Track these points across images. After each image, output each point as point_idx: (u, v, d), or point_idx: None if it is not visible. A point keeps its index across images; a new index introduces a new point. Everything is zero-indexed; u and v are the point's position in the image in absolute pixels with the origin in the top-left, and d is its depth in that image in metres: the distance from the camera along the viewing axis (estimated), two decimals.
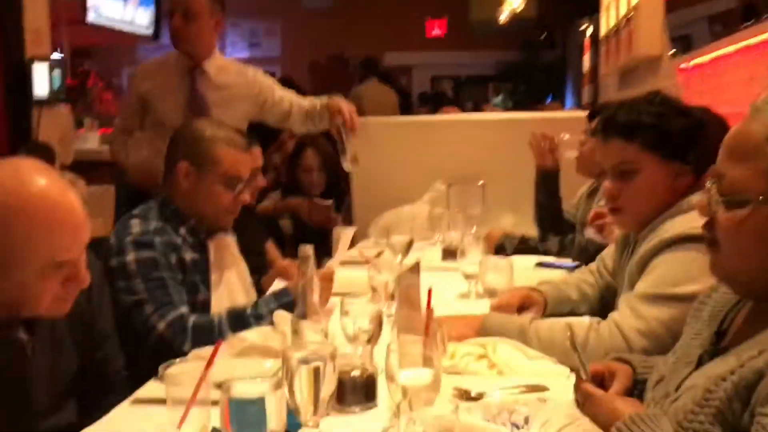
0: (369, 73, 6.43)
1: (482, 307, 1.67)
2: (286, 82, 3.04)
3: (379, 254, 2.25)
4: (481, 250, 2.03)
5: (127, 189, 2.56)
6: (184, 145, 1.76)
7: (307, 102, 2.64)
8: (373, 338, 1.19)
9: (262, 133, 2.67)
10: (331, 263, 1.85)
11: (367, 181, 3.17)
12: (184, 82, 2.45)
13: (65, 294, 1.16)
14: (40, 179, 1.10)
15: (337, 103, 2.51)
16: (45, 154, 3.62)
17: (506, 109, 8.10)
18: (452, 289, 1.92)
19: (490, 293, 1.80)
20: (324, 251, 2.20)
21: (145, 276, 1.62)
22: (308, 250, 1.27)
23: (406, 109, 6.56)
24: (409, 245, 2.04)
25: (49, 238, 1.09)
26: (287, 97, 2.65)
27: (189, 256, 1.73)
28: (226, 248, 1.86)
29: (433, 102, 6.92)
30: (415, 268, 1.30)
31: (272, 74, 2.70)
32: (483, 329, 1.41)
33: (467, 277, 1.92)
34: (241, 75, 2.52)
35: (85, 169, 4.51)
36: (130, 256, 1.63)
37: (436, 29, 9.49)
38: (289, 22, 9.16)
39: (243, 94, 2.47)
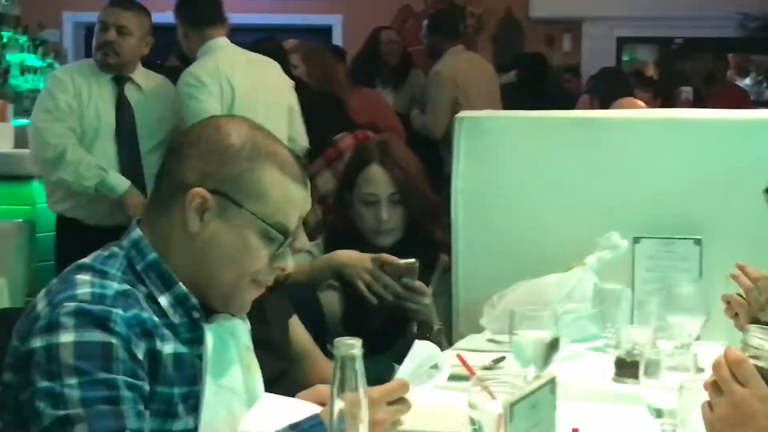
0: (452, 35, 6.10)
1: None
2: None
3: (496, 362, 2.34)
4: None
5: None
6: (203, 158, 1.72)
7: None
8: None
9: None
10: (402, 375, 1.75)
11: (481, 226, 3.08)
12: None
13: None
14: None
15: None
16: None
17: (762, 100, 7.47)
18: None
19: None
20: (395, 353, 2.08)
21: (86, 376, 1.56)
22: (354, 346, 1.25)
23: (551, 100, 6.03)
24: (552, 347, 1.98)
25: None
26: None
27: (169, 347, 1.68)
28: (235, 339, 1.82)
29: (611, 85, 5.57)
30: (552, 386, 1.35)
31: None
32: None
33: (659, 413, 1.78)
34: None
35: None
36: (66, 337, 1.57)
37: None
38: None
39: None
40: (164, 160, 1.79)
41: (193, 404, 1.71)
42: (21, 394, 1.60)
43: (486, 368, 2.28)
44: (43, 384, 1.56)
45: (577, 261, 2.77)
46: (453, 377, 1.89)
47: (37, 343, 1.58)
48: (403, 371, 1.75)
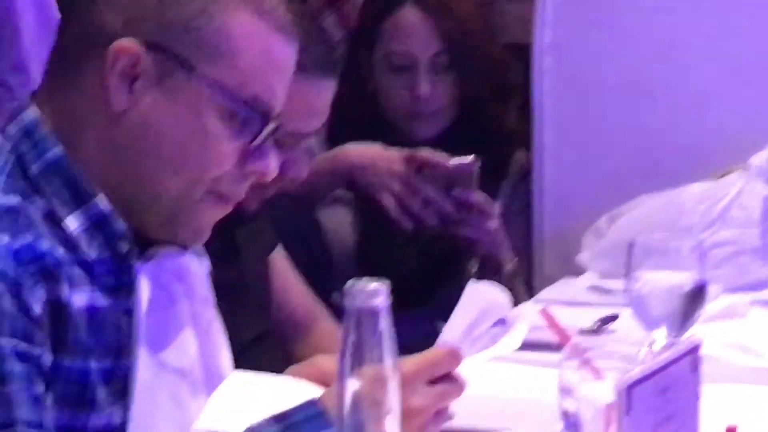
0: None
1: None
2: None
3: (604, 322, 2.40)
4: None
5: None
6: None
7: None
8: None
9: None
10: (451, 338, 1.78)
11: (580, 105, 3.18)
12: None
13: None
14: None
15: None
16: None
17: None
18: None
19: None
20: (441, 306, 2.14)
21: None
22: (377, 293, 1.30)
23: None
24: (695, 299, 2.03)
25: None
26: None
27: (82, 297, 1.72)
28: (186, 286, 1.87)
29: None
30: (693, 361, 1.41)
31: None
32: None
33: None
34: None
35: None
36: None
37: None
38: None
39: None
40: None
41: (120, 388, 1.75)
42: None
43: (588, 331, 2.33)
44: None
45: (736, 161, 2.80)
46: (532, 345, 1.93)
47: None
48: (452, 330, 1.79)
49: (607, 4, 3.09)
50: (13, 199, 1.69)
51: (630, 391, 1.31)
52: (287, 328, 2.49)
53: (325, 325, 2.51)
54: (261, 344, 2.28)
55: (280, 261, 2.54)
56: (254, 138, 1.75)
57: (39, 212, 1.71)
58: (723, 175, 2.76)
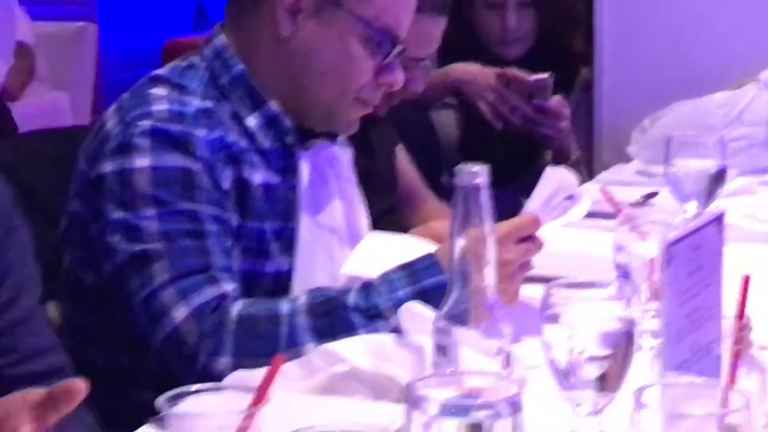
0: None
1: None
2: None
3: (647, 197, 2.36)
4: None
5: None
6: None
7: None
8: (609, 377, 1.22)
9: None
10: (531, 208, 1.76)
11: (631, 32, 3.11)
12: None
13: None
14: None
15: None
16: None
17: None
18: None
19: None
20: (523, 187, 2.12)
21: (165, 206, 1.61)
22: (480, 175, 1.26)
23: None
24: (717, 180, 2.00)
25: None
26: None
27: (259, 176, 1.74)
28: (335, 170, 1.87)
29: None
30: (718, 226, 1.36)
31: None
32: None
33: None
34: None
35: None
36: (142, 161, 1.63)
37: None
38: None
39: None
40: None
41: (287, 243, 1.77)
42: (90, 226, 1.66)
43: (636, 204, 2.30)
44: (116, 215, 1.62)
45: (750, 76, 2.73)
46: (594, 215, 1.90)
47: (108, 167, 1.64)
48: (533, 203, 1.77)
49: None
50: (209, 103, 1.71)
51: (670, 247, 1.29)
52: (405, 203, 2.50)
53: (431, 202, 2.51)
54: (389, 215, 2.30)
55: (400, 153, 2.54)
56: (385, 57, 1.74)
57: (227, 113, 1.73)
58: (739, 86, 2.73)
